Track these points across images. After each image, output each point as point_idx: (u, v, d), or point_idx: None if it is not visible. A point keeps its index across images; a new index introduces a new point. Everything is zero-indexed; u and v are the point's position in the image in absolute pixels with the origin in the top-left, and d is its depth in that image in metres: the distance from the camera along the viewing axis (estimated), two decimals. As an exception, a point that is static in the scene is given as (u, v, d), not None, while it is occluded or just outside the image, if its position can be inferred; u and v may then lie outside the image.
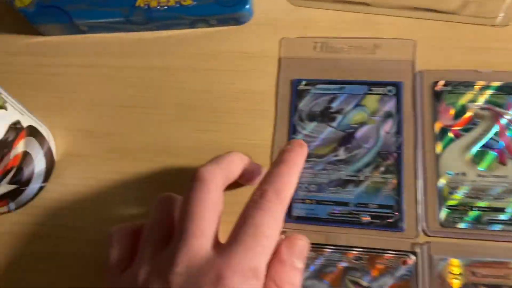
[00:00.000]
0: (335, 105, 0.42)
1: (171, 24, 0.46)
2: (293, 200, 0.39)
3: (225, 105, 0.44)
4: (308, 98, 0.42)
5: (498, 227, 0.37)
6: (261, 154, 0.41)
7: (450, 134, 0.40)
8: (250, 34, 0.46)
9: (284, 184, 0.33)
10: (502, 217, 0.37)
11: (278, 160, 0.34)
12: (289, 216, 0.39)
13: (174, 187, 0.40)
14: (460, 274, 0.36)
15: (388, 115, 0.41)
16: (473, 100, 0.40)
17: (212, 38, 0.47)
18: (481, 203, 0.38)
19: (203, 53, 0.46)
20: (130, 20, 0.44)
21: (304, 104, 0.42)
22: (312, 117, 0.42)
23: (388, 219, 0.38)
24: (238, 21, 0.46)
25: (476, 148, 0.39)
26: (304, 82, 0.43)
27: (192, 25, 0.46)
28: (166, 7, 0.45)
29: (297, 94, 0.43)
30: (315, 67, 0.44)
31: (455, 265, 0.36)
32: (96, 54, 0.47)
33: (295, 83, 0.43)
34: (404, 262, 0.36)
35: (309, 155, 0.40)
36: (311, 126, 0.42)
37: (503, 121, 0.39)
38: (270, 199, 0.32)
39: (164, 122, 0.44)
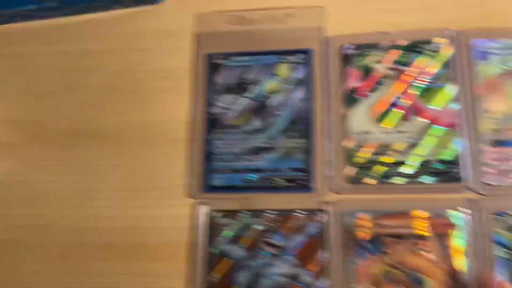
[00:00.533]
0: (249, 76, 0.43)
1: (86, 8, 0.46)
2: (210, 171, 0.41)
3: (145, 85, 0.45)
4: (223, 71, 0.43)
5: (401, 180, 0.39)
6: (178, 130, 0.42)
7: (357, 96, 0.41)
8: (166, 12, 0.47)
9: None
10: (405, 171, 0.39)
11: None
12: (206, 187, 0.40)
13: (100, 170, 0.42)
14: (368, 227, 0.38)
15: (299, 82, 0.42)
16: (379, 61, 0.42)
17: (128, 19, 0.47)
18: (386, 159, 0.39)
19: (121, 35, 0.46)
20: (43, 7, 0.45)
21: (219, 78, 0.43)
22: (227, 89, 0.43)
23: (300, 181, 0.40)
24: (153, 0, 0.47)
25: (381, 107, 0.41)
26: (219, 56, 0.44)
27: (106, 7, 0.47)
28: (79, -9, 0.46)
29: (212, 68, 0.44)
30: (230, 40, 0.44)
31: (363, 219, 0.38)
32: (13, 43, 0.47)
33: (210, 57, 0.44)
34: (313, 220, 0.38)
35: (225, 126, 0.42)
36: (226, 98, 0.43)
37: (408, 79, 0.41)
38: None
39: (86, 106, 0.45)
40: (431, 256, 0.36)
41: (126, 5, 0.47)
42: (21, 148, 0.44)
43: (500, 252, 0.36)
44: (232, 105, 0.42)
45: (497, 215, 0.36)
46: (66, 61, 0.46)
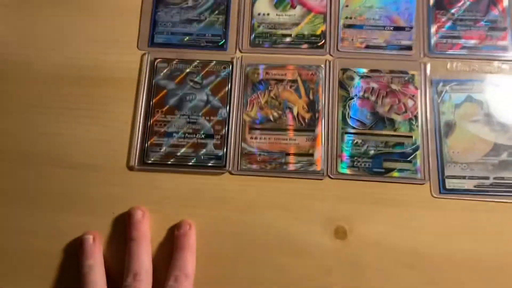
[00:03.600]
0: (187, -29, 0.59)
1: None
2: (155, 32, 0.57)
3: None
4: (169, -34, 0.60)
5: (283, 45, 0.57)
6: (133, 6, 0.58)
7: (263, -10, 0.59)
8: None
9: (190, 268, 0.47)
10: (287, 39, 0.57)
11: (179, 247, 0.48)
12: (152, 43, 0.57)
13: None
14: (258, 73, 0.56)
15: (223, -23, 0.59)
16: (279, -32, 0.60)
17: None
18: (277, 32, 0.57)
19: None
20: None
21: None
22: (171, -22, 0.59)
23: (218, 43, 0.57)
24: None
25: (277, -2, 0.59)
26: None
27: None
28: None
29: None
30: None
31: (257, 69, 0.56)
32: None
33: (161, -44, 0.60)
34: (224, 68, 0.56)
35: (168, 3, 0.58)
36: (170, -16, 0.59)
37: (297, -19, 0.59)
38: (182, 282, 0.46)
39: None
40: (296, 93, 0.55)
41: None
42: None
43: (342, 92, 0.55)
44: (174, -10, 0.59)
45: (342, 69, 0.56)
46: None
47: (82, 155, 0.54)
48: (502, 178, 0.51)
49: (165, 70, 0.56)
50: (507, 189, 0.51)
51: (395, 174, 0.52)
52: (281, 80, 0.56)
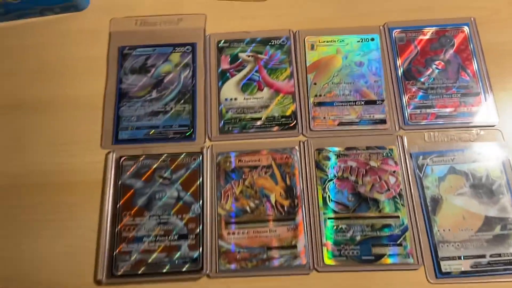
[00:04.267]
0: (149, 62, 0.58)
1: (25, 14, 0.60)
2: (119, 129, 0.54)
3: (72, 69, 0.58)
4: (130, 58, 0.58)
5: (254, 129, 0.54)
6: (96, 101, 0.56)
7: (228, 74, 0.57)
8: (88, 17, 0.61)
9: None
10: (258, 123, 0.55)
11: None
12: (116, 140, 0.54)
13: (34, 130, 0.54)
14: (231, 161, 0.53)
15: (186, 65, 0.58)
16: (243, 51, 0.58)
17: (58, 22, 0.61)
18: (246, 116, 0.55)
19: (51, 34, 0.60)
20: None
21: (127, 63, 0.58)
22: (133, 71, 0.58)
23: (186, 133, 0.54)
24: (77, 8, 0.61)
25: (244, 82, 0.57)
26: (127, 48, 0.59)
27: (42, 13, 0.60)
28: (20, 0, 0.59)
29: (122, 56, 0.58)
30: (137, 36, 0.60)
31: (229, 156, 0.53)
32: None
33: (121, 49, 0.59)
34: (194, 159, 0.53)
35: (131, 97, 0.56)
36: (132, 77, 0.57)
37: (262, 62, 0.58)
38: None
39: (23, 85, 0.57)
40: (272, 179, 0.52)
41: (56, 12, 0.61)
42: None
43: (320, 173, 0.52)
44: (137, 82, 0.57)
45: (317, 150, 0.53)
46: (8, 51, 0.59)
47: (46, 271, 0.49)
48: (499, 255, 0.48)
49: (132, 168, 0.54)
50: (505, 266, 0.47)
51: (386, 260, 0.49)
52: (255, 167, 0.54)
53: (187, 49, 0.59)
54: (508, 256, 0.48)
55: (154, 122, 0.55)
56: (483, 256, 0.48)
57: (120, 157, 0.53)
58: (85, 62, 0.59)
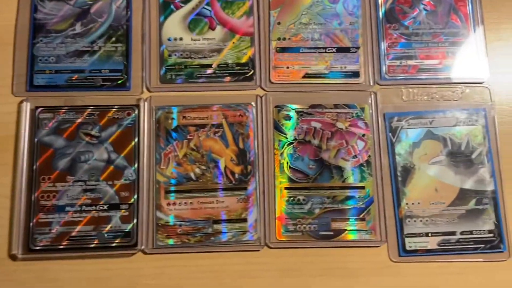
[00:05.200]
0: (72, -15, 0.46)
1: None
2: (34, 72, 0.44)
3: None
4: (47, -21, 0.46)
5: (204, 80, 0.46)
6: (4, 34, 0.45)
7: (172, 6, 0.47)
8: None
9: None
10: (208, 71, 0.46)
11: None
12: (31, 86, 0.44)
13: None
14: (173, 118, 0.45)
15: (119, -8, 0.46)
16: (192, -24, 0.47)
17: None
18: (193, 62, 0.46)
19: None
20: None
21: (43, -15, 0.46)
22: (51, -4, 0.46)
23: (118, 80, 0.45)
24: None
25: (191, 17, 0.46)
26: (43, -36, 0.46)
27: None
28: None
29: (37, -24, 0.46)
30: (55, -50, 0.47)
31: (170, 112, 0.45)
32: None
33: (35, -35, 0.46)
34: (128, 114, 0.44)
35: (49, 31, 0.45)
36: (50, 5, 0.46)
37: (214, -7, 0.47)
38: None
39: None
40: (223, 141, 0.44)
41: None
42: None
43: (278, 135, 0.45)
44: (56, 11, 0.46)
45: (277, 107, 0.45)
46: None
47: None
48: (470, 232, 0.44)
49: (51, 123, 0.44)
50: (476, 245, 0.44)
51: (346, 236, 0.44)
52: (203, 126, 0.46)
53: (121, -31, 0.47)
54: (480, 233, 0.44)
55: (79, 64, 0.45)
56: (453, 233, 0.43)
57: (36, 108, 0.43)
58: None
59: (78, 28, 0.45)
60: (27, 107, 0.43)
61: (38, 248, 0.41)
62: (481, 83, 0.46)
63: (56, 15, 0.45)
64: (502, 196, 0.44)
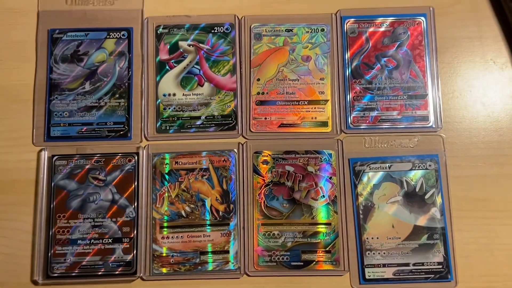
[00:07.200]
0: (82, 48, 0.54)
1: None
2: (51, 125, 0.52)
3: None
4: (61, 44, 0.54)
5: (194, 130, 0.53)
6: (25, 92, 0.53)
7: (167, 66, 0.54)
8: (12, -9, 0.55)
9: None
10: (197, 122, 0.53)
11: None
12: (48, 137, 0.52)
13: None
14: (167, 163, 0.52)
15: (122, 54, 0.54)
16: (183, 39, 0.54)
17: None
18: (184, 114, 0.53)
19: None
20: None
21: (58, 49, 0.54)
22: (64, 59, 0.53)
23: (121, 132, 0.52)
24: (-1, -19, 0.54)
25: (183, 75, 0.54)
26: (57, 31, 0.54)
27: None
28: None
29: (52, 41, 0.54)
30: (67, 18, 0.54)
31: (164, 158, 0.52)
32: None
33: (50, 32, 0.54)
34: (129, 160, 0.52)
35: (62, 90, 0.53)
36: (63, 66, 0.53)
37: (203, 53, 0.54)
38: None
39: None
40: (209, 183, 0.51)
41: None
42: None
43: (256, 178, 0.52)
44: (69, 72, 0.53)
45: (256, 153, 0.52)
46: None
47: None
48: (422, 264, 0.50)
49: (65, 169, 0.52)
50: (427, 275, 0.50)
51: (315, 266, 0.50)
52: (192, 170, 0.53)
53: (123, 34, 0.54)
54: (431, 265, 0.50)
55: (88, 118, 0.53)
56: (407, 265, 0.50)
57: (53, 156, 0.52)
58: (11, 47, 0.54)
59: (87, 86, 0.53)
60: (45, 155, 0.52)
61: (55, 275, 0.49)
62: (435, 131, 0.53)
63: (68, 75, 0.53)
64: (451, 232, 0.50)
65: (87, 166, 0.52)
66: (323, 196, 0.52)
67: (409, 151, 0.52)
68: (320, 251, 0.50)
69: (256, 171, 0.52)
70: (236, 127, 0.53)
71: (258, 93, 0.54)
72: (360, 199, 0.51)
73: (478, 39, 0.55)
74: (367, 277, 0.50)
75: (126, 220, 0.51)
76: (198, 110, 0.53)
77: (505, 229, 0.51)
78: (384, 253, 0.50)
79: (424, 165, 0.52)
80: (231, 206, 0.52)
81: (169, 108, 0.53)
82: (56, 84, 0.53)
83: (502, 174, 0.52)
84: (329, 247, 0.51)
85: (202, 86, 0.54)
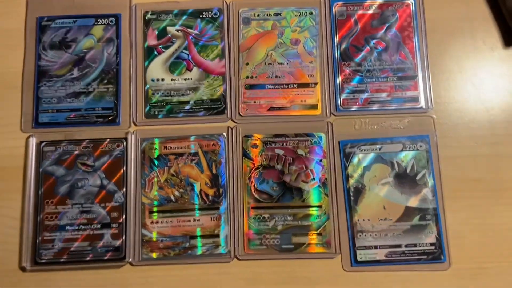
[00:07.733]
0: (70, 35, 0.54)
1: None
2: (39, 111, 0.51)
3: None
4: (49, 31, 0.54)
5: (182, 114, 0.52)
6: (13, 79, 0.52)
7: (155, 52, 0.54)
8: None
9: None
10: (186, 107, 0.53)
11: None
12: (36, 123, 0.52)
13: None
14: (156, 148, 0.52)
15: (110, 40, 0.54)
16: (172, 24, 0.54)
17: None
18: (173, 99, 0.53)
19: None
20: None
21: (46, 36, 0.54)
22: (52, 46, 0.53)
23: (109, 117, 0.52)
24: (-12, -31, 0.54)
25: (171, 60, 0.53)
26: (46, 18, 0.54)
27: None
28: None
29: (40, 29, 0.54)
30: (56, 5, 0.54)
31: (154, 143, 0.52)
32: None
33: (39, 19, 0.54)
34: (118, 145, 0.51)
35: (51, 76, 0.53)
36: (51, 53, 0.53)
37: (191, 38, 0.54)
38: None
39: None
40: (198, 167, 0.51)
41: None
42: None
43: (246, 161, 0.51)
44: (57, 59, 0.53)
45: (245, 136, 0.52)
46: None
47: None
48: (414, 245, 0.49)
49: (53, 155, 0.52)
50: (419, 256, 0.49)
51: (305, 249, 0.50)
52: (181, 154, 0.52)
53: (111, 21, 0.54)
54: (423, 246, 0.49)
55: (76, 104, 0.52)
56: (399, 246, 0.49)
57: (41, 142, 0.51)
58: (0, 34, 0.54)
59: (75, 73, 0.53)
60: (33, 142, 0.51)
61: (43, 261, 0.49)
62: (426, 112, 0.52)
63: (56, 62, 0.53)
64: (443, 213, 0.50)
65: (75, 152, 0.51)
66: (314, 178, 0.51)
67: (399, 132, 0.52)
68: (311, 234, 0.50)
69: (246, 154, 0.52)
70: (225, 111, 0.53)
71: (247, 77, 0.54)
72: (351, 181, 0.51)
73: (467, 20, 0.55)
74: (358, 259, 0.49)
75: (115, 206, 0.50)
76: (187, 94, 0.53)
77: (497, 209, 0.50)
78: (375, 234, 0.50)
79: (415, 146, 0.51)
80: (221, 190, 0.51)
81: (158, 93, 0.53)
82: (44, 71, 0.53)
83: (494, 154, 0.52)
84: (320, 229, 0.50)
85: (190, 71, 0.54)
